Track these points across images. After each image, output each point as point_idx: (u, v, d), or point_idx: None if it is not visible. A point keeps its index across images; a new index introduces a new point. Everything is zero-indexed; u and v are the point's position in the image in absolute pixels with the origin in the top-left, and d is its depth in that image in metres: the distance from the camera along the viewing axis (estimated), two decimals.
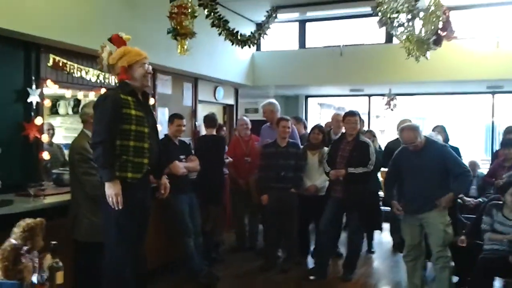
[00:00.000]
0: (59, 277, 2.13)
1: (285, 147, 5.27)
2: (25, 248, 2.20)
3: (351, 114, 4.99)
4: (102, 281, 3.20)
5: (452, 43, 5.72)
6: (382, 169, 6.32)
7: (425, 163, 4.15)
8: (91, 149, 3.22)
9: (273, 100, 6.15)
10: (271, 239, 5.43)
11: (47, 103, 4.78)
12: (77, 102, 6.15)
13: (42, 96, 4.54)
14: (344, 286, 4.86)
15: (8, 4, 3.92)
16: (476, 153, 9.20)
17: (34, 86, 4.46)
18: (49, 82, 4.61)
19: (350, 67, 8.00)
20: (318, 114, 11.31)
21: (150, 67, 3.31)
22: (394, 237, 6.33)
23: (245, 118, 6.18)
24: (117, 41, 3.33)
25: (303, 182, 5.33)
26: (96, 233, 3.42)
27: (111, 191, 3.02)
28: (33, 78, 4.48)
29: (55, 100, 6.25)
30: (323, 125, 5.93)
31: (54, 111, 6.35)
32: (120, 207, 3.03)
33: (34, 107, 4.46)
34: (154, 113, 3.57)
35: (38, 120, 4.47)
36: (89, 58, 5.05)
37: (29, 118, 4.42)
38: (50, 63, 4.66)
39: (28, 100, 4.41)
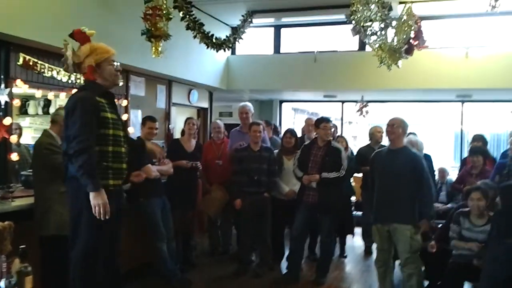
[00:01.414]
0: (28, 282, 2.07)
1: (258, 151, 5.28)
2: None
3: (326, 120, 5.04)
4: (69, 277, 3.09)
5: (423, 52, 5.87)
6: (355, 174, 6.44)
7: (397, 169, 4.20)
8: (73, 156, 2.89)
9: (248, 103, 6.15)
10: (244, 243, 5.41)
11: (16, 103, 4.65)
12: (47, 102, 6.01)
13: (11, 95, 4.42)
14: None
15: None
16: (445, 160, 9.43)
17: (3, 85, 4.33)
18: (18, 81, 4.49)
19: (324, 73, 8.09)
20: (292, 119, 11.38)
21: (118, 64, 3.13)
22: (366, 241, 6.42)
23: (218, 121, 6.17)
24: (79, 37, 3.07)
25: (276, 187, 5.34)
26: (66, 225, 3.26)
27: (99, 201, 2.82)
28: (2, 77, 4.36)
29: (25, 100, 6.09)
30: (299, 130, 5.97)
31: (23, 111, 6.19)
32: (107, 217, 2.87)
33: (3, 107, 4.34)
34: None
35: (6, 120, 4.35)
36: (60, 57, 4.93)
37: None
38: (20, 62, 4.54)
39: None
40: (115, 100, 3.31)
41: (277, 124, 9.55)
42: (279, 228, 5.59)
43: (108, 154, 3.00)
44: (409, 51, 5.32)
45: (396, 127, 4.25)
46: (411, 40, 5.29)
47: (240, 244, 5.57)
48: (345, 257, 6.17)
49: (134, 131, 6.03)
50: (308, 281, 5.10)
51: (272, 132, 6.75)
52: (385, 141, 6.48)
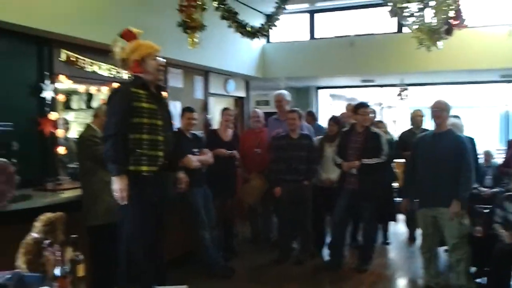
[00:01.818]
0: (80, 270, 2.15)
1: (297, 139, 5.26)
2: (46, 241, 2.22)
3: (363, 105, 4.98)
4: (119, 267, 3.25)
5: (463, 32, 5.68)
6: (397, 160, 6.29)
7: (441, 153, 4.10)
8: (102, 142, 3.24)
9: (283, 91, 6.13)
10: (285, 231, 5.43)
11: (61, 98, 4.81)
12: (90, 96, 6.17)
13: (56, 91, 4.57)
14: (360, 277, 4.85)
15: (20, 1, 3.93)
16: (490, 142, 9.10)
17: (47, 81, 4.48)
18: (62, 77, 4.64)
19: (361, 58, 7.93)
20: (329, 106, 11.26)
21: (163, 60, 3.30)
22: (410, 227, 6.31)
23: (257, 110, 6.18)
24: (127, 35, 3.33)
25: (316, 174, 5.31)
26: (113, 213, 3.42)
27: (117, 186, 3.07)
28: (46, 73, 4.50)
29: (69, 95, 6.27)
30: (338, 117, 5.89)
31: (67, 105, 6.37)
32: (125, 202, 3.08)
33: (49, 102, 4.49)
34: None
35: (53, 115, 4.50)
36: (101, 52, 5.04)
37: (43, 113, 4.45)
38: (63, 58, 4.69)
39: (42, 95, 4.44)
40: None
41: (315, 111, 9.47)
42: (320, 215, 5.57)
43: (143, 142, 3.16)
44: (449, 31, 5.16)
45: (442, 111, 4.16)
46: (450, 20, 5.13)
47: (279, 232, 5.59)
48: (388, 244, 6.09)
49: (173, 122, 6.11)
50: (351, 268, 5.08)
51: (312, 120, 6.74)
52: (427, 125, 6.35)
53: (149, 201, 3.23)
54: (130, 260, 3.21)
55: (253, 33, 6.53)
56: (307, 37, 8.88)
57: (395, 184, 6.13)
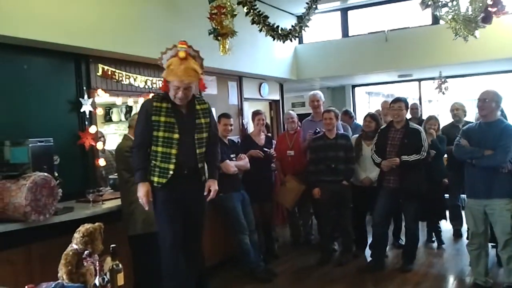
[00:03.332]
0: (120, 279, 2.20)
1: (334, 139, 5.20)
2: (86, 252, 2.30)
3: (394, 100, 4.88)
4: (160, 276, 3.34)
5: (502, 19, 5.44)
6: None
7: (490, 142, 3.93)
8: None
9: (318, 91, 6.09)
10: (325, 233, 5.38)
11: (100, 111, 4.96)
12: (128, 108, 6.34)
13: (94, 105, 4.72)
14: (404, 277, 4.74)
15: (57, 20, 4.09)
16: None
17: (86, 96, 4.64)
18: (100, 91, 4.79)
19: (397, 52, 7.78)
20: (366, 103, 11.08)
21: (180, 93, 3.22)
22: (454, 224, 6.12)
23: (291, 112, 6.17)
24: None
25: (355, 174, 5.23)
26: (152, 223, 3.53)
27: (138, 193, 3.25)
28: (85, 88, 4.66)
29: (108, 108, 6.47)
30: (375, 113, 5.79)
31: (107, 118, 6.57)
32: (147, 209, 3.27)
33: (88, 116, 4.64)
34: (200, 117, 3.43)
35: (92, 129, 4.65)
36: (136, 65, 5.20)
37: (83, 127, 4.61)
38: (100, 72, 4.83)
39: (82, 110, 4.59)
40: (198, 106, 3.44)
41: (351, 109, 9.35)
42: (361, 215, 5.48)
43: (158, 154, 3.28)
44: (487, 20, 4.96)
45: (489, 102, 3.99)
46: (488, 8, 4.93)
47: (320, 233, 5.54)
48: (433, 242, 5.89)
49: None
50: (394, 269, 4.97)
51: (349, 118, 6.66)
52: (469, 117, 6.13)
53: (169, 209, 3.32)
54: (165, 265, 3.29)
55: (284, 36, 6.51)
56: (340, 35, 8.78)
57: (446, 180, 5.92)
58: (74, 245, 2.32)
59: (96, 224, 2.44)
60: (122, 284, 2.21)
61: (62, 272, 2.25)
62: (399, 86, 10.36)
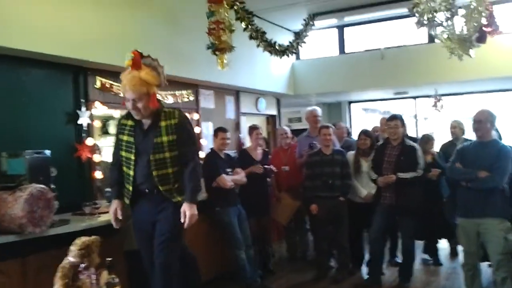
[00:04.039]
0: None
1: (330, 155, 5.21)
2: (82, 265, 2.27)
3: (390, 118, 4.93)
4: None
5: (497, 39, 5.53)
6: None
7: (485, 162, 3.93)
8: None
9: (315, 107, 6.12)
10: (322, 249, 5.35)
11: (97, 123, 4.95)
12: None
13: (91, 117, 4.71)
14: None
15: (56, 32, 4.10)
16: None
17: (83, 108, 4.63)
18: (97, 103, 4.78)
19: (393, 70, 7.86)
20: (362, 120, 11.13)
21: (129, 105, 3.03)
22: (451, 242, 6.10)
23: (284, 127, 6.21)
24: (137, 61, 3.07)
25: (352, 189, 5.23)
26: None
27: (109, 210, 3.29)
28: (83, 100, 4.66)
29: (105, 120, 6.45)
30: (369, 130, 5.81)
31: (104, 131, 6.54)
32: (114, 226, 3.28)
33: (85, 128, 4.63)
34: (162, 133, 3.11)
35: (89, 141, 4.64)
36: None
37: (80, 139, 4.59)
38: (98, 85, 4.84)
39: (79, 122, 4.58)
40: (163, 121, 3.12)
41: (348, 125, 9.40)
42: (358, 231, 5.46)
43: (124, 174, 3.23)
44: (482, 39, 5.03)
45: (484, 122, 4.01)
46: (483, 27, 5.00)
47: (316, 249, 5.52)
48: (439, 264, 5.71)
49: (206, 143, 6.20)
50: (391, 286, 4.94)
51: (346, 134, 6.68)
52: (469, 135, 6.16)
53: (136, 229, 3.34)
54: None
55: (282, 51, 6.59)
56: (337, 52, 8.86)
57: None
58: (70, 258, 2.29)
59: (93, 237, 2.41)
60: None
61: (58, 285, 2.22)
62: (395, 103, 10.44)
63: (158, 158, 3.05)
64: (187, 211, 3.04)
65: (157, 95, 3.15)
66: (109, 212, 3.23)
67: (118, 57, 4.69)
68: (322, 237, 5.30)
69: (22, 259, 3.18)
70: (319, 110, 6.04)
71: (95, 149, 4.80)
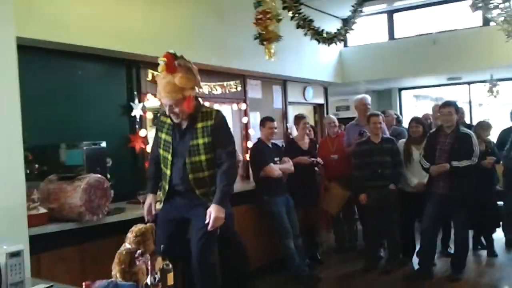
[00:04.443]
0: (170, 279, 2.26)
1: (379, 143, 5.13)
2: (138, 251, 2.37)
3: (443, 105, 4.77)
4: None
5: None
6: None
7: None
8: None
9: (365, 95, 6.03)
10: (371, 239, 5.31)
11: (149, 115, 5.09)
12: None
13: (144, 109, 4.86)
14: (452, 286, 4.61)
15: (109, 27, 4.25)
16: None
17: (136, 101, 4.78)
18: (149, 95, 4.92)
19: (446, 55, 7.59)
20: (413, 107, 10.84)
21: (167, 110, 3.01)
22: (507, 232, 5.88)
23: (331, 116, 6.17)
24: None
25: (403, 178, 5.13)
26: None
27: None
28: (135, 93, 4.81)
29: (156, 112, 6.62)
30: (421, 117, 5.67)
31: (155, 122, 6.73)
32: (146, 220, 3.17)
33: (138, 120, 4.78)
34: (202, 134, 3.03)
35: (142, 132, 4.79)
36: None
37: (134, 131, 4.75)
38: (149, 78, 4.97)
39: (132, 114, 4.74)
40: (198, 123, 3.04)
41: (398, 113, 9.18)
42: (409, 221, 5.35)
43: (162, 171, 3.20)
44: None
45: None
46: None
47: (366, 240, 5.46)
48: (495, 255, 5.54)
49: (254, 133, 6.25)
50: (443, 277, 4.84)
51: (395, 122, 6.55)
52: None
53: (164, 222, 3.19)
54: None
55: (329, 39, 6.48)
56: (386, 38, 8.65)
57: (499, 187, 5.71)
58: (127, 245, 2.40)
59: (148, 224, 2.52)
60: (171, 284, 2.27)
61: (115, 270, 2.33)
62: (448, 90, 10.08)
63: (194, 161, 2.98)
64: (213, 213, 2.90)
65: (193, 97, 3.02)
66: (144, 206, 3.25)
67: (168, 50, 4.84)
68: (372, 227, 5.24)
69: (81, 246, 3.34)
70: (368, 98, 5.95)
71: (147, 140, 4.94)
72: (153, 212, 3.27)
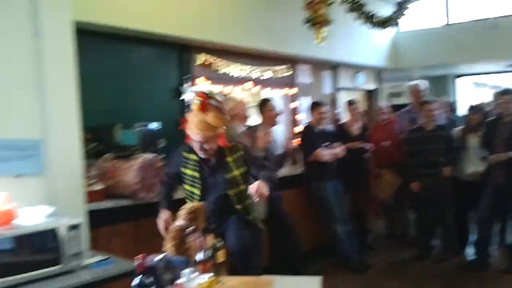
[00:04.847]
0: (221, 256, 2.30)
1: (432, 131, 4.98)
2: (190, 228, 2.42)
3: (502, 92, 4.58)
4: None
5: None
6: None
7: None
8: None
9: (419, 81, 5.85)
10: (424, 228, 5.18)
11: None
12: (224, 97, 6.52)
13: (194, 92, 4.91)
14: (509, 278, 4.43)
15: (162, 11, 4.32)
16: None
17: (187, 84, 4.85)
18: (200, 79, 4.98)
19: (506, 40, 7.22)
20: (470, 94, 10.41)
21: (197, 147, 2.99)
22: None
23: (382, 103, 6.03)
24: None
25: (460, 167, 4.95)
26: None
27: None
28: (186, 76, 4.87)
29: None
30: (478, 105, 5.45)
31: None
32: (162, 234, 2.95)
33: (188, 103, 4.85)
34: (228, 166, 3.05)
35: None
36: (233, 54, 5.34)
37: (184, 114, 4.82)
38: (200, 61, 5.03)
39: (182, 97, 4.81)
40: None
41: (453, 100, 8.84)
42: (463, 211, 5.17)
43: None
44: None
45: None
46: None
47: (418, 228, 5.33)
48: None
49: (303, 118, 6.21)
50: (499, 269, 4.66)
51: (450, 109, 6.32)
52: None
53: None
54: None
55: (382, 23, 6.32)
56: (442, 22, 8.31)
57: None
58: (179, 222, 2.46)
59: (200, 203, 2.57)
60: (222, 261, 2.30)
61: (168, 246, 2.40)
62: (507, 77, 9.60)
63: (236, 193, 3.03)
64: (260, 185, 2.83)
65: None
66: (159, 221, 3.01)
67: (219, 34, 4.89)
68: (424, 215, 5.11)
69: (135, 222, 3.46)
70: (423, 84, 5.76)
71: None
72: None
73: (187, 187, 3.09)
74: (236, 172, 3.03)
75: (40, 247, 2.37)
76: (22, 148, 2.78)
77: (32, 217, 2.48)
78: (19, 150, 2.76)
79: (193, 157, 3.06)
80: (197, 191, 3.03)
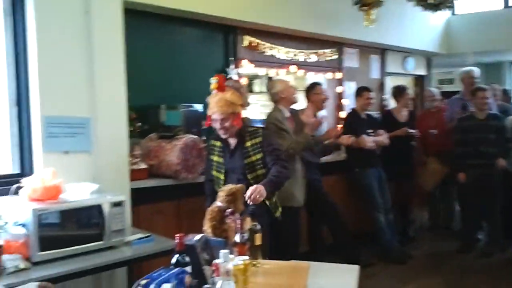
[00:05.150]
0: (258, 239, 2.31)
1: (484, 120, 4.77)
2: (229, 210, 2.44)
3: None
4: None
5: None
6: None
7: None
8: None
9: (473, 68, 5.60)
10: (469, 220, 5.01)
11: (244, 81, 5.16)
12: (269, 79, 6.49)
13: (239, 75, 4.92)
14: None
15: None
16: None
17: (232, 66, 4.85)
18: (245, 61, 4.97)
19: None
20: None
21: (217, 125, 3.02)
22: None
23: (432, 89, 5.85)
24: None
25: (509, 158, 4.74)
26: (290, 199, 3.66)
27: None
28: (231, 58, 4.87)
29: (251, 78, 6.69)
30: None
31: (250, 88, 6.80)
32: None
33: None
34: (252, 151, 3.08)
35: None
36: (279, 36, 5.28)
37: None
38: (245, 43, 5.01)
39: (227, 79, 4.81)
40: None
41: (508, 89, 8.43)
42: (511, 204, 4.97)
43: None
44: None
45: None
46: None
47: (464, 220, 5.17)
48: None
49: (348, 102, 6.10)
50: None
51: (503, 97, 6.04)
52: None
53: None
54: None
55: (435, 6, 6.06)
56: (500, 5, 7.88)
57: None
58: (218, 203, 2.49)
59: (238, 185, 2.58)
60: (259, 244, 2.31)
61: (207, 226, 2.43)
62: None
63: (254, 177, 3.06)
64: (254, 187, 2.80)
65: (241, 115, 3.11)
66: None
67: (265, 16, 4.83)
68: (471, 207, 4.95)
69: (177, 201, 3.53)
70: (476, 71, 5.52)
71: None
72: None
73: (214, 173, 3.16)
74: (254, 158, 3.07)
75: (84, 222, 2.46)
76: (71, 126, 2.88)
77: (78, 193, 2.57)
78: (68, 127, 2.87)
79: (218, 143, 3.14)
80: (221, 176, 3.10)
